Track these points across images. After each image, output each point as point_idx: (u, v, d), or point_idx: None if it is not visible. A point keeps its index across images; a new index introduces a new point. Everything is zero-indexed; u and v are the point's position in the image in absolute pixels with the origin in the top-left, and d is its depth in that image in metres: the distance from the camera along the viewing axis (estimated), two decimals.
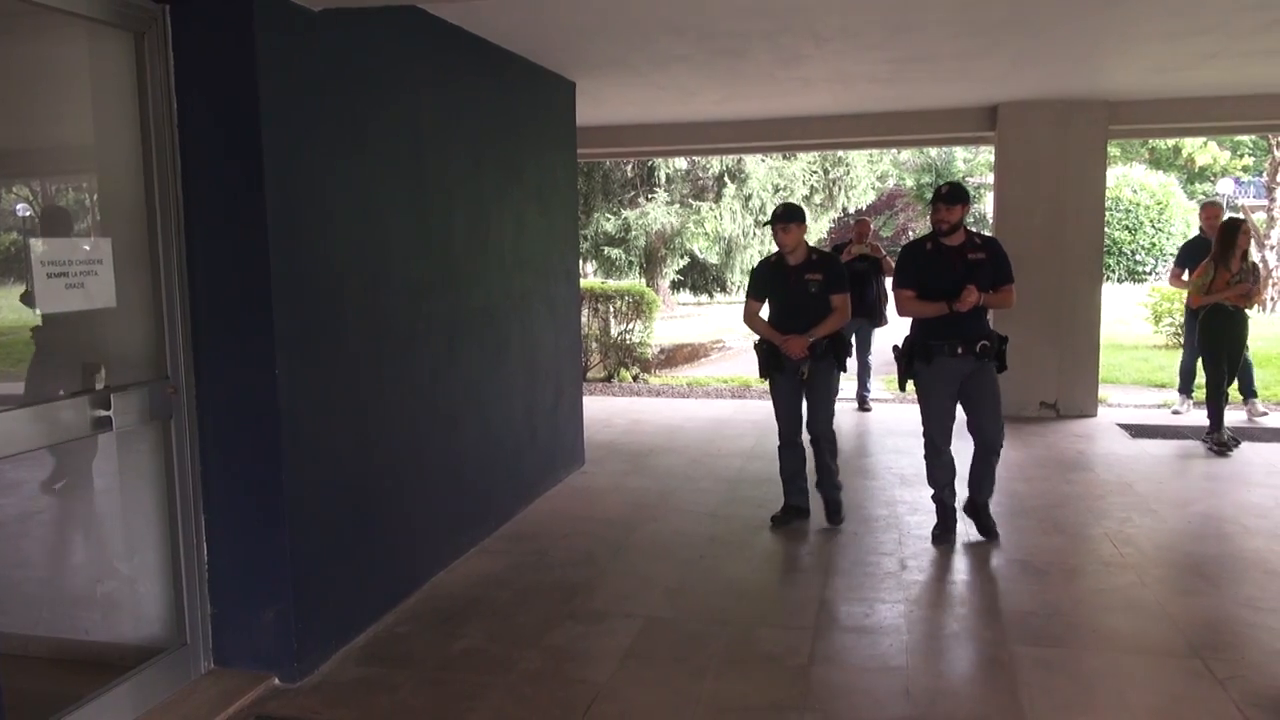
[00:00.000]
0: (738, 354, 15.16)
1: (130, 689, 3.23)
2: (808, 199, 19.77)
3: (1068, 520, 5.34)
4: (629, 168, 19.28)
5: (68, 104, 3.25)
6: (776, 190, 19.34)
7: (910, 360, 4.80)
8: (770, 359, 5.09)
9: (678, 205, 19.35)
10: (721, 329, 18.17)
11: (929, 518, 5.08)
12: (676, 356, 14.68)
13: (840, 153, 19.38)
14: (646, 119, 8.50)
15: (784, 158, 19.18)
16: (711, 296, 24.26)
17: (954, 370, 4.71)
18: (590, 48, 5.45)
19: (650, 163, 18.68)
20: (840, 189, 20.45)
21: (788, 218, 4.97)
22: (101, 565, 3.68)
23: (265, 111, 3.22)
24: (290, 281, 3.37)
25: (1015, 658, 3.60)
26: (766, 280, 5.15)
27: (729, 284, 21.76)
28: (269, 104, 3.24)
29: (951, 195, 4.70)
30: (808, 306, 4.98)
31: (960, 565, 4.69)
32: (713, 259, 22.14)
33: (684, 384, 10.90)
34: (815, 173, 20.05)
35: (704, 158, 18.26)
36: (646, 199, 19.25)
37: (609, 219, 19.21)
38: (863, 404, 8.94)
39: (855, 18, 4.84)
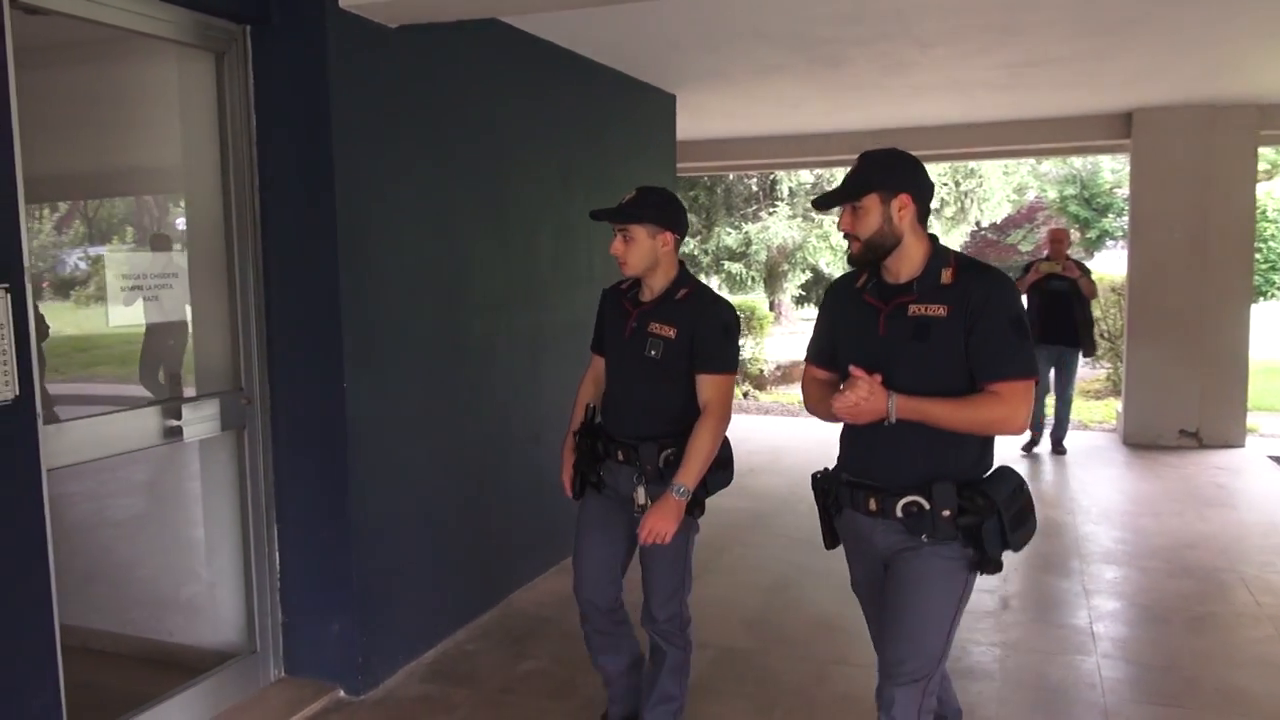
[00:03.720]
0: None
1: (203, 691, 3.30)
2: (937, 212, 19.06)
3: (1199, 563, 4.87)
4: (752, 182, 19.07)
5: (156, 125, 3.37)
6: None
7: (824, 505, 2.54)
8: (585, 462, 2.90)
9: (800, 219, 19.00)
10: None
11: (1037, 556, 4.72)
12: (793, 373, 14.35)
13: (971, 164, 18.61)
14: (752, 132, 8.35)
15: None
16: None
17: (866, 541, 2.40)
18: (686, 59, 5.36)
19: (772, 176, 18.42)
20: (973, 202, 19.60)
21: (620, 214, 2.70)
22: (185, 570, 3.79)
23: (337, 128, 3.25)
24: (359, 296, 3.39)
25: (1121, 716, 3.27)
26: (606, 319, 2.96)
27: None
28: (341, 120, 3.27)
29: (843, 191, 2.29)
30: (643, 376, 2.76)
31: (1069, 607, 4.32)
32: (837, 272, 21.65)
33: (795, 402, 10.63)
34: (944, 184, 19.32)
35: (827, 170, 17.88)
36: (769, 213, 19.00)
37: (730, 233, 19.04)
38: (1058, 446, 7.58)
39: (954, 21, 4.57)
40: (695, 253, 18.95)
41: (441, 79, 3.86)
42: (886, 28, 4.62)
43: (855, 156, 2.39)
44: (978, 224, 20.45)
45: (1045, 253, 7.39)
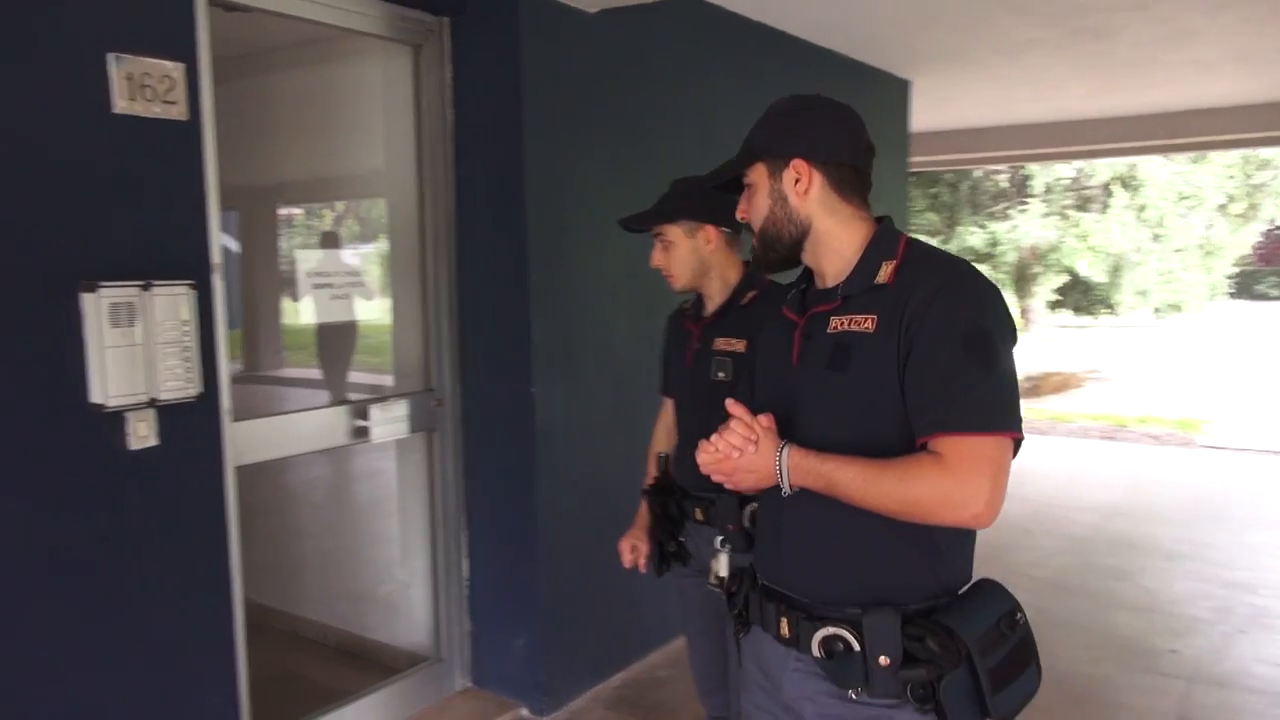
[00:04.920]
0: (1115, 386, 13.25)
1: (393, 694, 3.27)
2: (1223, 209, 16.88)
3: None
4: (1002, 177, 17.73)
5: (359, 125, 3.38)
6: (1181, 199, 16.71)
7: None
8: (663, 528, 2.35)
9: (1056, 217, 17.44)
10: (1100, 355, 16.06)
11: None
12: (1043, 386, 13.13)
13: (1262, 152, 16.28)
14: (1001, 120, 7.58)
15: (1191, 160, 16.53)
16: (1095, 318, 21.64)
17: (773, 681, 1.61)
18: (922, 40, 4.84)
19: (1024, 169, 17.02)
20: (1266, 196, 17.21)
21: (647, 216, 2.29)
22: (384, 568, 3.81)
23: (530, 120, 3.10)
24: (551, 297, 3.23)
25: None
26: (670, 349, 2.49)
27: (1116, 305, 19.22)
28: (535, 112, 3.12)
29: (729, 164, 1.69)
30: (713, 406, 1.83)
31: None
32: (1098, 277, 19.71)
33: (1043, 418, 9.62)
34: (1232, 178, 17.05)
35: (1088, 162, 16.27)
36: (1019, 210, 17.58)
37: (974, 233, 17.80)
38: None
39: None
40: None
41: (643, 67, 3.64)
42: None
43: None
44: (1272, 222, 17.90)
45: None
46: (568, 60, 3.26)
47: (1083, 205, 17.67)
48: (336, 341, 3.50)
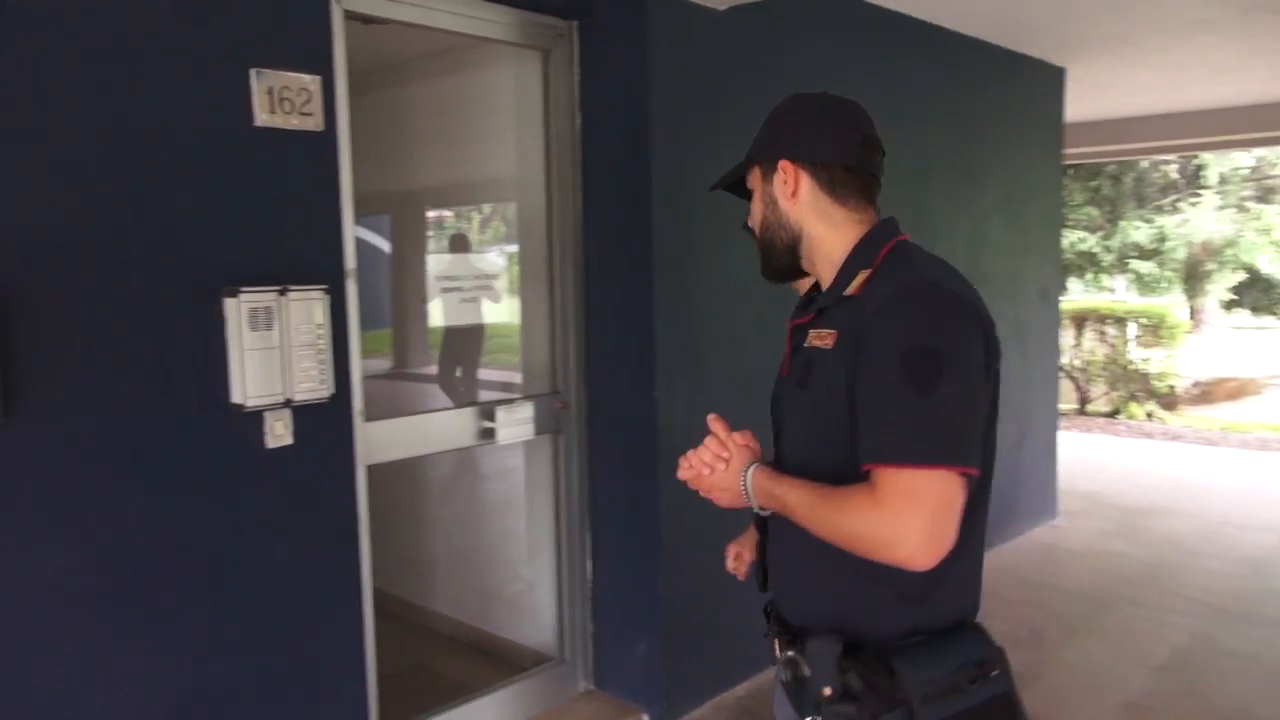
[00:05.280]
0: None
1: (518, 692, 3.31)
2: None
3: None
4: (1171, 168, 16.55)
5: (492, 131, 3.43)
6: None
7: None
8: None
9: (1233, 210, 16.15)
10: None
11: None
12: (1215, 392, 12.17)
13: None
14: (1168, 107, 7.04)
15: None
16: (1277, 318, 19.93)
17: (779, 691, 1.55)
18: (1078, 24, 4.54)
19: (1195, 159, 15.83)
20: None
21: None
22: (511, 567, 3.86)
23: (657, 121, 3.07)
24: (677, 300, 3.19)
25: None
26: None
27: None
28: (662, 113, 3.08)
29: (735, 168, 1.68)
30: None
31: None
32: None
33: (1214, 428, 8.91)
34: None
35: (1270, 150, 14.99)
36: (1190, 203, 16.38)
37: (1139, 228, 16.69)
38: None
39: None
40: (1096, 250, 16.88)
41: (777, 64, 3.54)
42: None
43: None
44: None
45: None
46: (697, 60, 3.21)
47: (1264, 196, 16.30)
48: (464, 344, 3.57)
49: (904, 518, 1.22)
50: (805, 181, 1.47)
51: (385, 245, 4.26)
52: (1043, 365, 5.52)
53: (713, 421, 1.51)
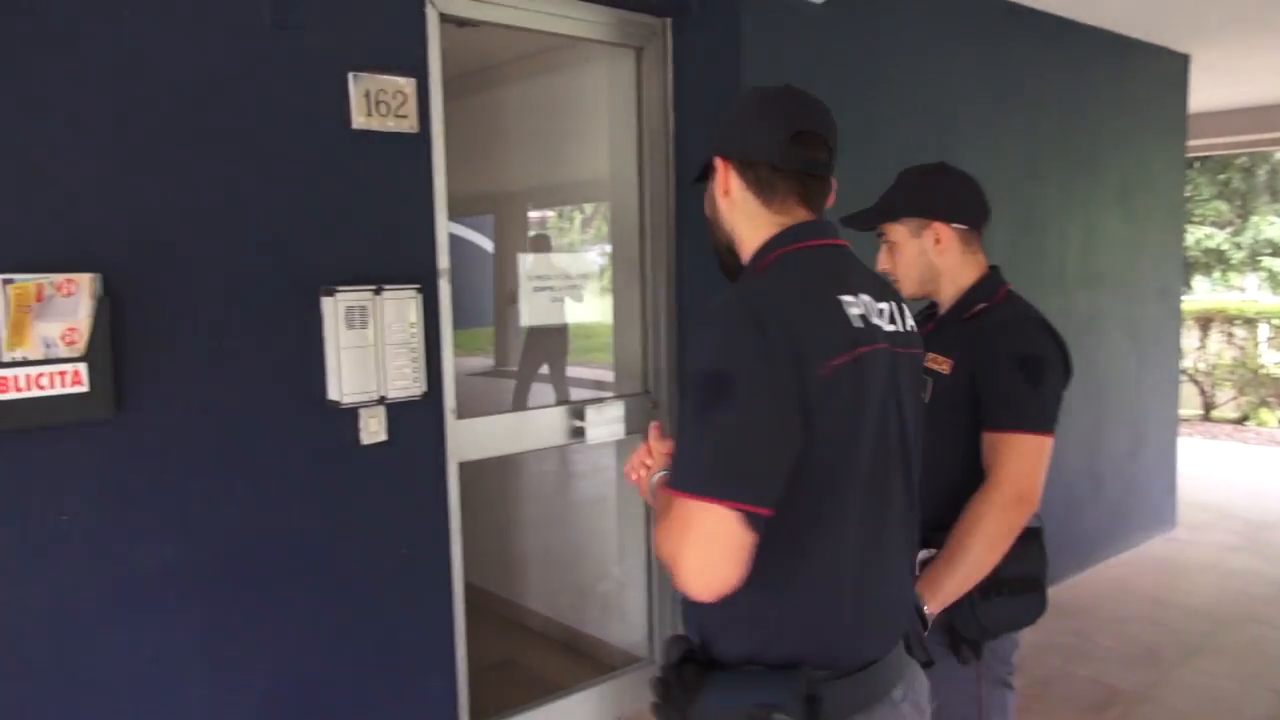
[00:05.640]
0: None
1: (606, 692, 3.31)
2: None
3: None
4: None
5: (588, 130, 3.43)
6: None
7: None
8: None
9: None
10: None
11: None
12: None
13: None
14: None
15: None
16: None
17: None
18: (1204, 7, 4.28)
19: None
20: None
21: (868, 215, 2.01)
22: (602, 565, 3.87)
23: None
24: None
25: None
26: None
27: None
28: None
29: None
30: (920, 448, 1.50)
31: None
32: None
33: None
34: None
35: None
36: None
37: (1273, 223, 15.72)
38: None
39: None
40: (1225, 247, 15.96)
41: (875, 56, 3.44)
42: None
43: None
44: None
45: None
46: (792, 54, 3.15)
47: None
48: (548, 343, 3.59)
49: (679, 545, 1.17)
50: (734, 180, 1.41)
51: (489, 245, 4.34)
52: (1161, 368, 5.23)
53: (651, 429, 1.49)
